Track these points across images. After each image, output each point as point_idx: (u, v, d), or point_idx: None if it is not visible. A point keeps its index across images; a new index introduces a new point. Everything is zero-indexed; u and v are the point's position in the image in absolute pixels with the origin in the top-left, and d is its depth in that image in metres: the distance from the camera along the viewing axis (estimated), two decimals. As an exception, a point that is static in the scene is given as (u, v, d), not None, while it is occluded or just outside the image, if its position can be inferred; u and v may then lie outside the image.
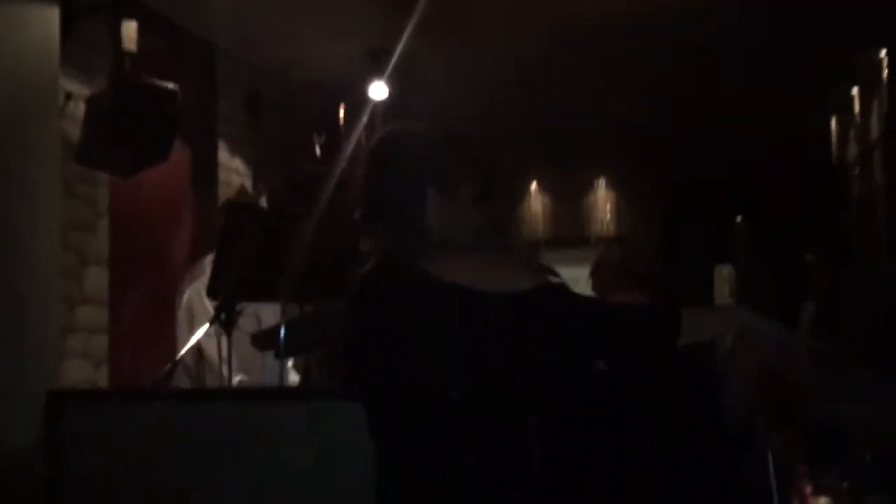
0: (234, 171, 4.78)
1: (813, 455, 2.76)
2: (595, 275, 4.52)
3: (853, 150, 6.17)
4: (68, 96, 3.67)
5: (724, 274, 6.28)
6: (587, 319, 1.44)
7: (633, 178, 8.21)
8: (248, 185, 4.81)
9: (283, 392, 3.02)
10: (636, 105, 6.52)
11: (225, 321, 3.04)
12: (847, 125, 6.31)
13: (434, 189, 1.50)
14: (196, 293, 3.32)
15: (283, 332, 2.96)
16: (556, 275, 1.71)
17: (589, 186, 8.48)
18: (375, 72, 5.03)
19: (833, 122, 6.57)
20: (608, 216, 8.44)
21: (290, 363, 3.27)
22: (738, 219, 8.02)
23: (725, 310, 1.69)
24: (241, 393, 3.00)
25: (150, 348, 3.98)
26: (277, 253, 3.09)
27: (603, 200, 8.45)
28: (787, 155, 7.14)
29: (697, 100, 6.49)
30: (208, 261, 3.18)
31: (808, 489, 2.48)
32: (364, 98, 5.03)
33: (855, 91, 5.94)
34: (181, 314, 3.39)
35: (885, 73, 5.21)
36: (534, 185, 8.54)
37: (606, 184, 8.43)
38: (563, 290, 1.48)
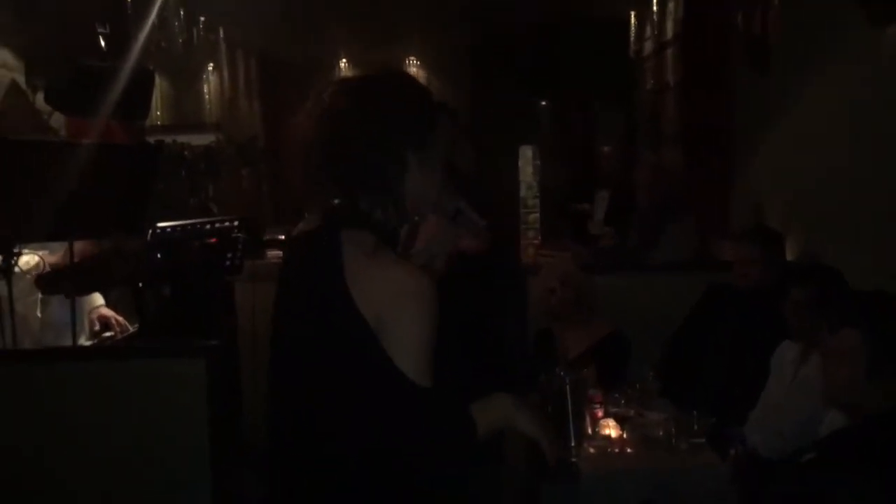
0: (1, 65, 4.23)
1: (604, 370, 3.00)
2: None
3: (649, 46, 6.43)
4: None
5: (528, 155, 6.52)
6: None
7: (442, 59, 8.14)
8: (21, 81, 4.27)
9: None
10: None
11: (2, 266, 2.80)
12: (644, 21, 6.54)
13: (412, 152, 1.31)
14: None
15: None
16: None
17: (399, 65, 8.31)
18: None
19: (632, 16, 6.78)
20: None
21: (101, 301, 3.11)
22: (543, 103, 8.25)
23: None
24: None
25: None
26: (59, 188, 2.84)
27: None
28: (588, 44, 7.32)
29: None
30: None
31: (600, 412, 2.71)
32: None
33: (653, -11, 6.11)
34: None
35: (681, -24, 5.36)
36: (343, 63, 8.27)
37: (417, 63, 8.30)
38: None
